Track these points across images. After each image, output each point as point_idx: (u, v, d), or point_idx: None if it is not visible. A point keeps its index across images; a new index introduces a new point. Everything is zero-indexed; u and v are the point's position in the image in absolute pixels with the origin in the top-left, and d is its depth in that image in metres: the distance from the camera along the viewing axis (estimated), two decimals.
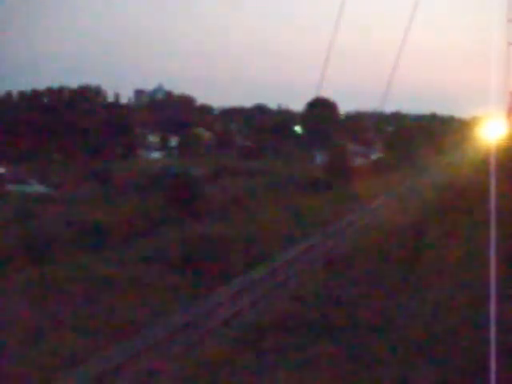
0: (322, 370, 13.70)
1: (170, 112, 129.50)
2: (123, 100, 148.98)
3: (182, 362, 14.59)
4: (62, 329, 16.57)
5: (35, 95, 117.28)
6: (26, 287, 20.03)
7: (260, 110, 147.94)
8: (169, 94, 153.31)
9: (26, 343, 15.46)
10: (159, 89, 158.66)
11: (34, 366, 14.01)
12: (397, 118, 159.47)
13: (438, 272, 21.25)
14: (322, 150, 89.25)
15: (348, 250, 27.18)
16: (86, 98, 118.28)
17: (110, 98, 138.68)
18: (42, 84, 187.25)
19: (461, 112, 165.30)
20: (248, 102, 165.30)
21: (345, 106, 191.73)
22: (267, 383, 13.24)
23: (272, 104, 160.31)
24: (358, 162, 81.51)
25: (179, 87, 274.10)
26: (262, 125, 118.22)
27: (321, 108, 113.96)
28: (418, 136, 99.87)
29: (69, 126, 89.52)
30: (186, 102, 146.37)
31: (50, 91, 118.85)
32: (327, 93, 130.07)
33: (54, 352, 14.89)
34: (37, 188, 58.71)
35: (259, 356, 14.82)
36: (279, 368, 13.86)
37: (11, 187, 57.95)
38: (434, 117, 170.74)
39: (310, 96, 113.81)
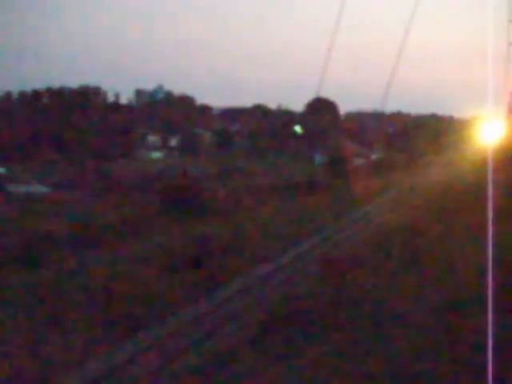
0: None
1: (170, 112, 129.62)
2: (123, 100, 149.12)
3: None
4: None
5: (35, 95, 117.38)
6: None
7: (260, 110, 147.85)
8: (169, 94, 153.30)
9: None
10: (159, 89, 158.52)
11: None
12: (397, 117, 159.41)
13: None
14: (322, 151, 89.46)
15: None
16: (86, 98, 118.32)
17: (110, 98, 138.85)
18: (42, 84, 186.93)
19: (461, 112, 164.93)
20: (248, 102, 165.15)
21: (345, 106, 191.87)
22: None
23: (272, 104, 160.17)
24: (358, 162, 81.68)
25: (179, 87, 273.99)
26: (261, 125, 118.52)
27: (321, 108, 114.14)
28: (418, 136, 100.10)
29: (69, 126, 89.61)
30: (186, 101, 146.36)
31: (50, 91, 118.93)
32: (327, 93, 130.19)
33: None
34: (37, 188, 58.83)
35: None
36: None
37: (11, 187, 58.08)
38: (434, 117, 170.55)
39: (310, 96, 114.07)
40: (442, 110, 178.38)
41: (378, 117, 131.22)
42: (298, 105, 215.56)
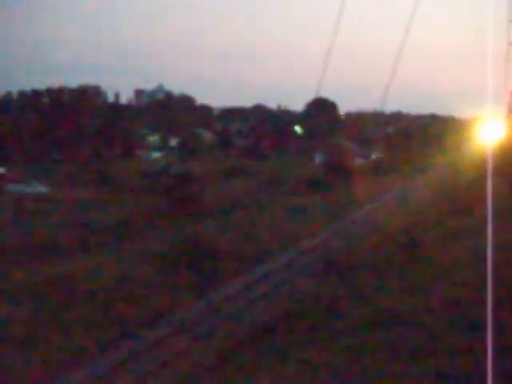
0: None
1: (170, 112, 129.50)
2: (123, 100, 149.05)
3: None
4: None
5: (35, 95, 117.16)
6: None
7: (260, 110, 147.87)
8: (169, 94, 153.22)
9: None
10: (159, 89, 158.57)
11: None
12: (397, 118, 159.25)
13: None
14: (322, 151, 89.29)
15: None
16: (86, 98, 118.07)
17: (110, 98, 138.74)
18: (42, 84, 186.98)
19: (461, 112, 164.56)
20: (248, 102, 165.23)
21: (345, 106, 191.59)
22: None
23: (272, 104, 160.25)
24: (358, 162, 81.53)
25: (179, 87, 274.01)
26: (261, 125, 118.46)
27: (321, 108, 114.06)
28: (418, 136, 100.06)
29: (69, 127, 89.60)
30: (185, 101, 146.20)
31: (50, 91, 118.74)
32: (327, 93, 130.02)
33: None
34: (37, 188, 58.75)
35: None
36: None
37: (11, 187, 58.04)
38: (433, 117, 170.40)
39: (310, 96, 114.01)
40: (441, 110, 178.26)
41: (377, 117, 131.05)
42: (298, 105, 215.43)
